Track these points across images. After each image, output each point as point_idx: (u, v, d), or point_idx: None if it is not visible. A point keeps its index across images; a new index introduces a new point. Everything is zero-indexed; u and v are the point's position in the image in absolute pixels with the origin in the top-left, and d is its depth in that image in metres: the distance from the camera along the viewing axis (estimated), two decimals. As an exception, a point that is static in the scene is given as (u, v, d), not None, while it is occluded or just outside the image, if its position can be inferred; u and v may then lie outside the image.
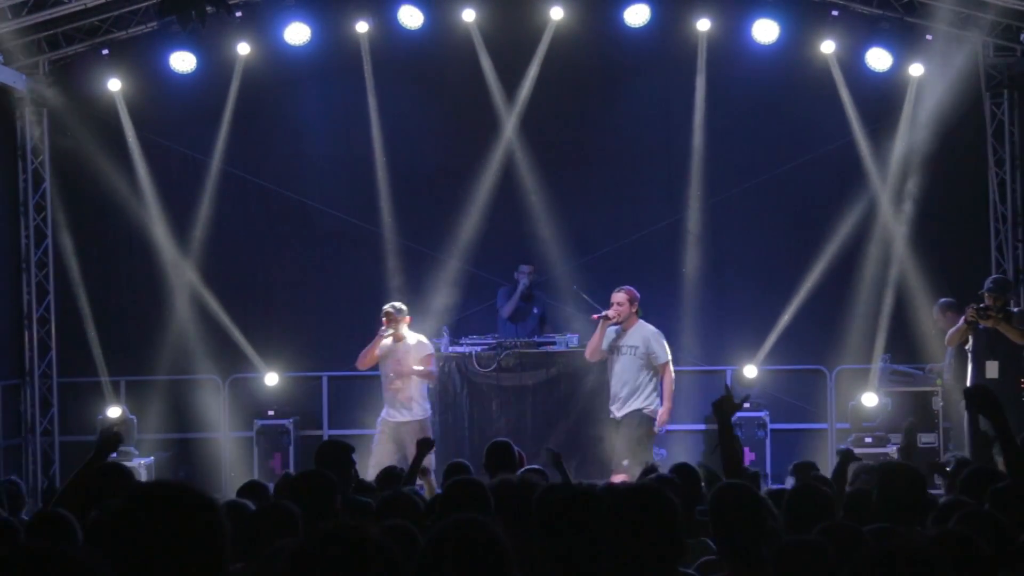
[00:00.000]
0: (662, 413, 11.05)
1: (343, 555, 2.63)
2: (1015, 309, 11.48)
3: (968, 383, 11.23)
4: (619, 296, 11.17)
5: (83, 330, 13.95)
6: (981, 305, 11.08)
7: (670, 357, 11.20)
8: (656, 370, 11.11)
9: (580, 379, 12.54)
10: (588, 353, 11.44)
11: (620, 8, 13.72)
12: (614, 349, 11.19)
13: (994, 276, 11.66)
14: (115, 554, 2.63)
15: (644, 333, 11.15)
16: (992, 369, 11.09)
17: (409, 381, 11.37)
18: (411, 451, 10.98)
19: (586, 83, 14.14)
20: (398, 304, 11.55)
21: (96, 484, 5.50)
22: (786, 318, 13.76)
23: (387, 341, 11.42)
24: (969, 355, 11.39)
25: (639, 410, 11.00)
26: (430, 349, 11.55)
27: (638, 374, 11.06)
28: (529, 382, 12.59)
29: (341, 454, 6.83)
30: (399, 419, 11.36)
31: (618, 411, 11.11)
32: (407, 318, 11.51)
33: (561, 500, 4.14)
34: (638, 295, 11.32)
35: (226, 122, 14.05)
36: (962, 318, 11.33)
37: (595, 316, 11.29)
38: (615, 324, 11.17)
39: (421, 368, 11.34)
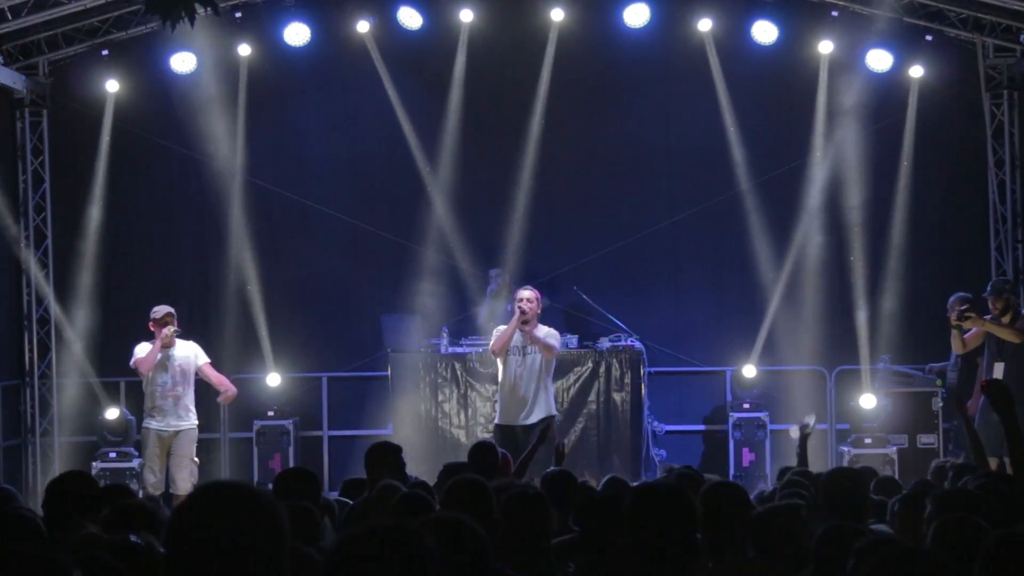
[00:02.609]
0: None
1: (385, 551, 2.58)
2: None
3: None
4: (527, 293, 11.00)
5: (83, 331, 13.94)
6: (961, 308, 11.06)
7: (558, 347, 11.03)
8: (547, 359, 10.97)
9: (580, 379, 12.53)
10: (497, 347, 11.08)
11: (619, 8, 13.72)
12: (518, 350, 10.97)
13: (994, 279, 11.60)
14: (172, 556, 2.61)
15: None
16: (998, 371, 11.05)
17: (189, 388, 11.14)
18: (174, 454, 10.89)
19: (585, 83, 14.12)
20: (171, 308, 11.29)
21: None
22: (786, 318, 13.75)
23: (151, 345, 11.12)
24: (984, 357, 11.33)
25: (547, 417, 10.82)
26: (206, 357, 11.37)
27: (540, 374, 10.88)
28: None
29: (392, 455, 6.90)
30: (177, 427, 11.04)
31: (525, 418, 10.81)
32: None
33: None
34: (540, 296, 11.18)
35: (238, 123, 14.03)
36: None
37: (166, 332, 10.99)
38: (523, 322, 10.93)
39: (225, 389, 11.28)
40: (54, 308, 14.07)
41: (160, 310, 11.14)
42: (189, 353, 11.21)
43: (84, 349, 13.93)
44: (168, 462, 11.04)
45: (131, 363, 11.18)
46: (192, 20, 6.77)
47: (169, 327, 11.01)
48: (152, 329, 11.09)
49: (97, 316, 14.10)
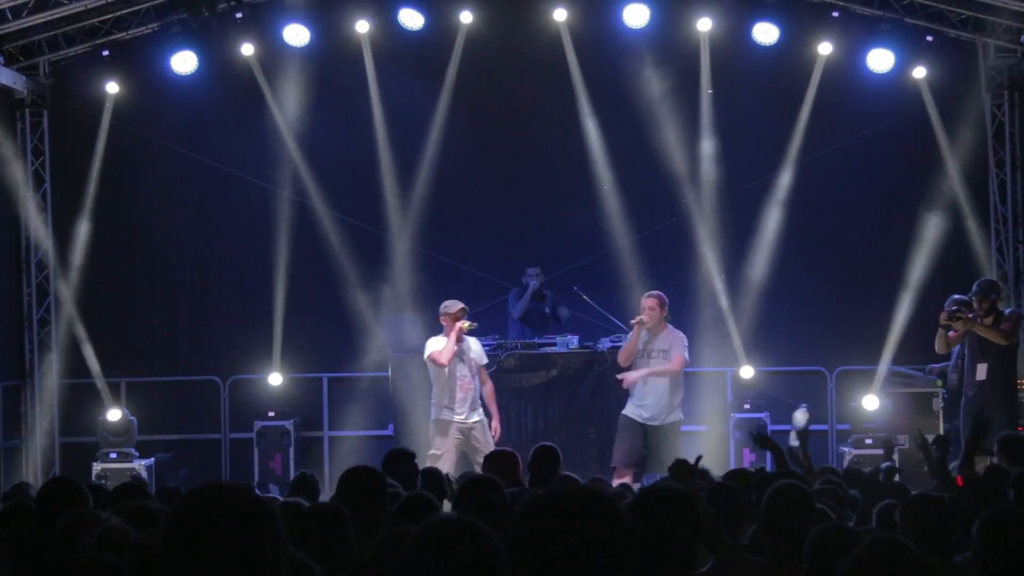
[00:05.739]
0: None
1: (459, 539, 2.84)
2: (1007, 310, 11.46)
3: (965, 385, 11.25)
4: (650, 301, 11.26)
5: (83, 331, 13.93)
6: (952, 308, 11.07)
7: (686, 356, 11.33)
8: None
9: (580, 380, 12.53)
10: (622, 359, 11.42)
11: (619, 9, 13.71)
12: (644, 353, 11.26)
13: (980, 279, 11.59)
14: (168, 558, 2.62)
15: (672, 337, 11.27)
16: (981, 371, 11.09)
17: (477, 382, 11.33)
18: (479, 449, 10.97)
19: (586, 83, 14.10)
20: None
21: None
22: (786, 319, 13.75)
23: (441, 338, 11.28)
24: (965, 358, 11.35)
25: (673, 423, 11.16)
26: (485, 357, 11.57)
27: (665, 379, 11.16)
28: (529, 383, 12.57)
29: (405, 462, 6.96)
30: (475, 419, 11.25)
31: (647, 417, 11.18)
32: None
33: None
34: (667, 300, 11.38)
35: (239, 123, 14.01)
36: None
37: (633, 322, 11.29)
38: (646, 328, 11.23)
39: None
40: (54, 308, 14.07)
41: (454, 305, 11.28)
42: (479, 348, 11.44)
43: (84, 350, 13.90)
44: (469, 453, 11.20)
45: (425, 357, 11.27)
46: (214, 14, 6.78)
47: (465, 321, 11.19)
48: (444, 323, 11.24)
49: (97, 316, 14.09)
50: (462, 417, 11.20)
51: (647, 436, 11.13)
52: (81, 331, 13.92)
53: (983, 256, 13.73)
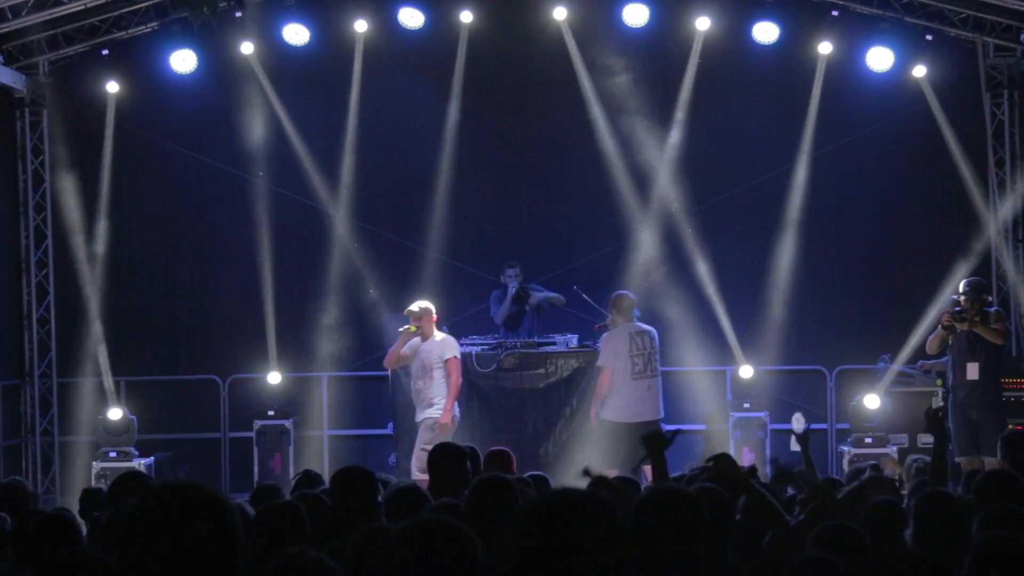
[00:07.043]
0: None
1: (436, 543, 2.94)
2: (992, 309, 11.46)
3: (951, 385, 11.24)
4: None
5: (83, 330, 13.93)
6: (956, 309, 11.04)
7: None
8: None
9: (580, 380, 12.53)
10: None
11: (618, 8, 13.72)
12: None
13: (969, 279, 11.54)
14: (127, 555, 2.63)
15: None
16: (972, 371, 11.06)
17: (431, 380, 11.39)
18: (415, 446, 11.17)
19: (585, 83, 14.10)
20: (423, 303, 11.56)
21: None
22: (786, 318, 13.75)
23: (415, 340, 11.46)
24: (950, 358, 11.32)
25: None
26: (455, 351, 11.56)
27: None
28: (529, 383, 12.58)
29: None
30: (419, 418, 11.45)
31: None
32: (433, 317, 11.54)
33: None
34: (614, 299, 11.75)
35: (239, 122, 14.00)
36: (939, 325, 11.30)
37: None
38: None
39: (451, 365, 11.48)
40: (54, 308, 14.07)
41: (410, 307, 11.53)
42: (435, 348, 11.46)
43: (84, 349, 13.90)
44: None
45: None
46: (215, 15, 6.79)
47: (408, 325, 11.40)
48: None
49: (97, 316, 14.08)
50: (416, 415, 11.53)
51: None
52: (81, 330, 13.91)
53: (983, 256, 13.72)
